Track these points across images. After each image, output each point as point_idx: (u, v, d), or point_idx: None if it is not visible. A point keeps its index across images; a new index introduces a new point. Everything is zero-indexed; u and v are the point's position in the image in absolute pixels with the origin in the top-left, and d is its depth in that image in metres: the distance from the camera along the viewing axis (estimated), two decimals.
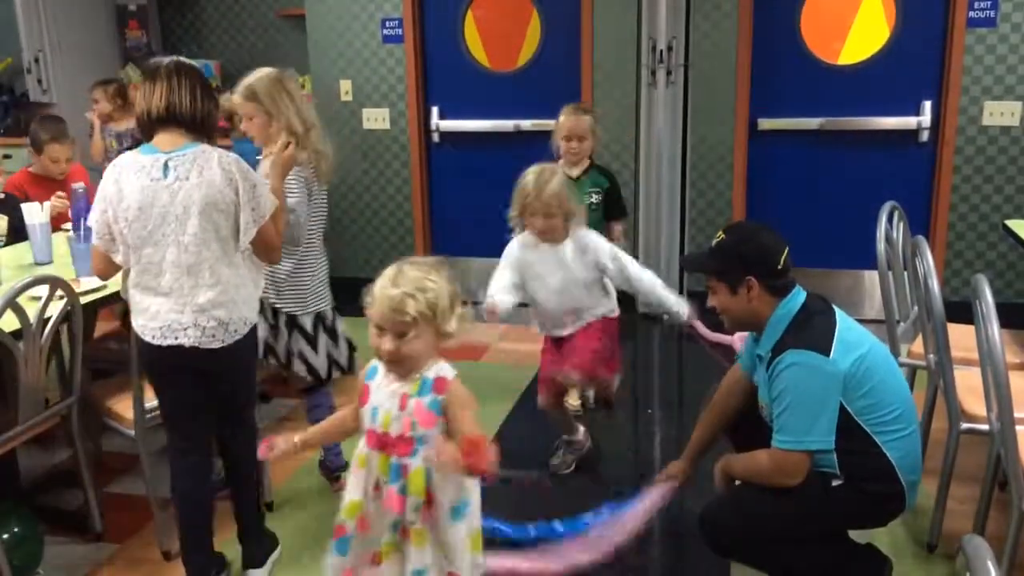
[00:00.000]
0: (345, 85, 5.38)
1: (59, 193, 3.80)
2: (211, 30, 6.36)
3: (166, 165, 2.36)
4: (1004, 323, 2.32)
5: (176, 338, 2.39)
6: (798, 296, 2.35)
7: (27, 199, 3.71)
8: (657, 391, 4.50)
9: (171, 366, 2.46)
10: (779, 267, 2.32)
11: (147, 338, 2.42)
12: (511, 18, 5.19)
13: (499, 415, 3.82)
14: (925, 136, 4.74)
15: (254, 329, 2.55)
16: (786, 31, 4.82)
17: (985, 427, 2.55)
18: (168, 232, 2.36)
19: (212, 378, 2.50)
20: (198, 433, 2.57)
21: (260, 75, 2.90)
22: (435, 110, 5.36)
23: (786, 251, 2.34)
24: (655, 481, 2.72)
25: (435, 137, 5.39)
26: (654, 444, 3.76)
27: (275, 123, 2.85)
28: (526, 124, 5.18)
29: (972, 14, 4.49)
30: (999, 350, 2.25)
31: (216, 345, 2.42)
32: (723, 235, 2.41)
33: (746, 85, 4.86)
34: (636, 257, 5.04)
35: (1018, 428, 2.31)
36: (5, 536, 2.67)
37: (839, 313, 2.36)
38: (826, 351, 2.23)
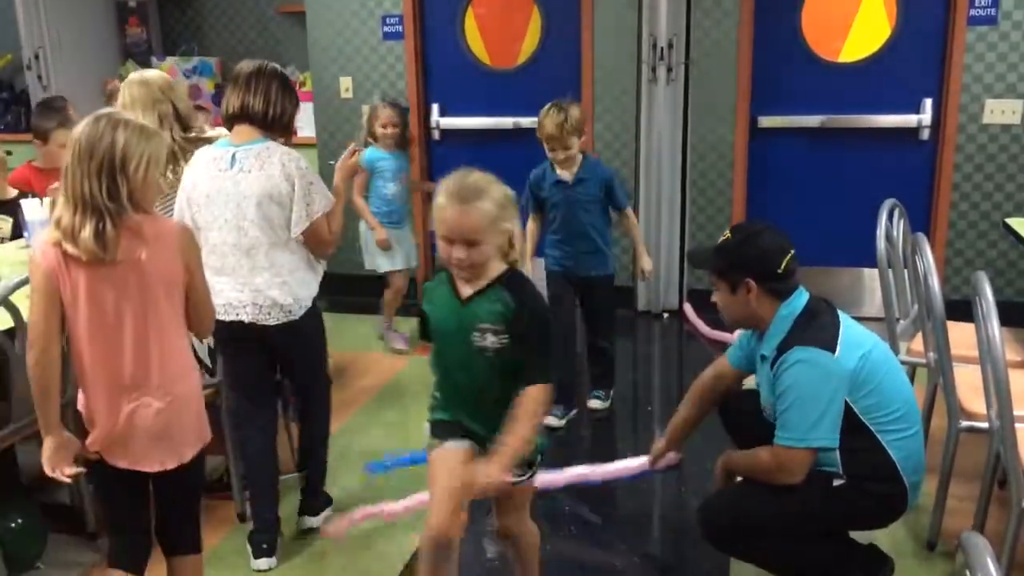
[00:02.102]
0: (345, 82, 5.38)
1: (55, 185, 3.72)
2: (211, 27, 6.35)
3: (233, 157, 2.64)
4: (1004, 321, 2.32)
5: (237, 314, 2.67)
6: (801, 297, 2.36)
7: (34, 194, 3.71)
8: (657, 388, 4.50)
9: (234, 339, 2.72)
10: (779, 271, 2.32)
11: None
12: (511, 15, 5.18)
13: None
14: (926, 134, 4.74)
15: (315, 308, 2.78)
16: (787, 29, 4.81)
17: (985, 425, 2.55)
18: (230, 217, 2.63)
19: (273, 351, 2.79)
20: (261, 399, 2.84)
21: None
22: (435, 107, 5.35)
23: (790, 254, 2.33)
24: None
25: (435, 134, 5.39)
26: (654, 441, 3.75)
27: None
28: (526, 121, 5.15)
29: (973, 12, 4.48)
30: (999, 348, 2.25)
31: (272, 322, 2.68)
32: (728, 234, 2.41)
33: (747, 83, 4.85)
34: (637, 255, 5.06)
35: (1018, 426, 2.31)
36: (12, 526, 2.69)
37: (842, 314, 2.37)
38: (832, 349, 2.23)
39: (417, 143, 5.25)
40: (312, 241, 2.70)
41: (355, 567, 2.81)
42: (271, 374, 2.87)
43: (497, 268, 2.12)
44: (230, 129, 2.70)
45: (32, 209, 3.37)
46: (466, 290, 2.13)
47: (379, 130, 4.50)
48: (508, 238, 2.11)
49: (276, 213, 2.62)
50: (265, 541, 2.77)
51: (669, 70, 4.80)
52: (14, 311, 2.47)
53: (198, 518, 2.33)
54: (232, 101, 2.67)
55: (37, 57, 5.81)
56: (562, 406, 3.70)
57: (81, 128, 2.02)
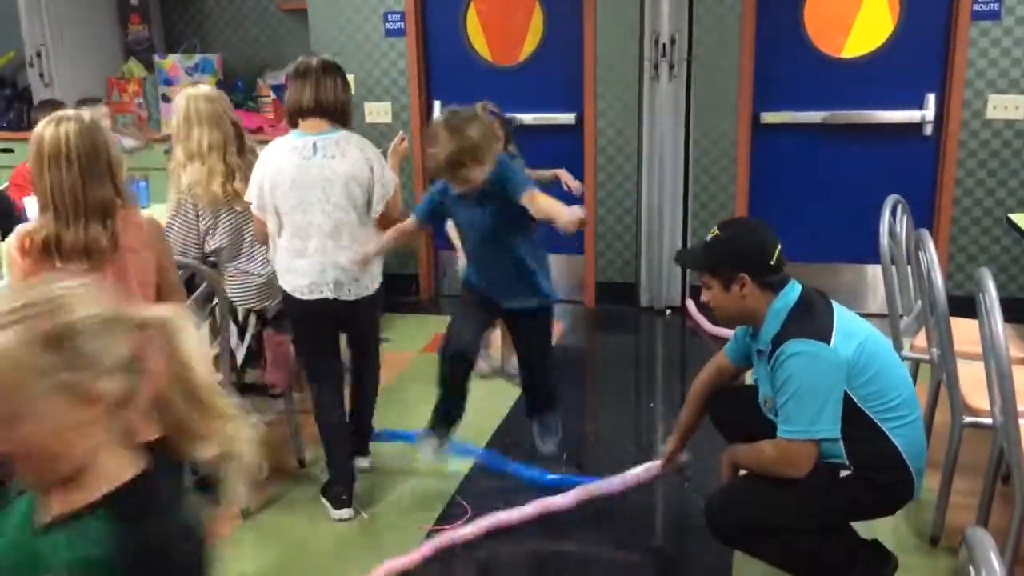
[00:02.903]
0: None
1: None
2: (213, 23, 6.35)
3: (315, 146, 2.87)
4: (1007, 317, 2.32)
5: (321, 292, 2.93)
6: (794, 289, 2.37)
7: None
8: (659, 385, 4.50)
9: (315, 316, 3.00)
10: (771, 263, 2.33)
11: (296, 295, 2.95)
12: (514, 12, 5.17)
13: (500, 410, 3.82)
14: (929, 130, 4.73)
15: (382, 285, 3.11)
16: (789, 24, 4.80)
17: (988, 421, 2.55)
18: (315, 201, 2.86)
19: (345, 322, 3.08)
20: (331, 371, 3.11)
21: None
22: (437, 104, 5.34)
23: (779, 247, 2.35)
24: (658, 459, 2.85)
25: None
26: (656, 438, 3.75)
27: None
28: (528, 118, 5.15)
29: (976, 7, 4.47)
30: (1002, 344, 2.25)
31: (352, 297, 2.97)
32: (717, 231, 2.42)
33: (749, 79, 4.84)
34: (639, 251, 5.07)
35: (1021, 422, 2.31)
36: None
37: (836, 304, 2.38)
38: (827, 339, 2.24)
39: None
40: (384, 219, 3.01)
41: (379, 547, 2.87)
42: (338, 341, 3.14)
43: (113, 475, 1.16)
44: (297, 122, 2.93)
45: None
46: (49, 511, 1.17)
47: None
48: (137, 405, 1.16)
49: (359, 195, 2.90)
50: (344, 493, 3.05)
51: (671, 67, 4.79)
52: None
53: None
54: (304, 96, 2.89)
55: (39, 54, 5.80)
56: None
57: (68, 135, 2.04)
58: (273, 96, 5.84)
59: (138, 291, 2.17)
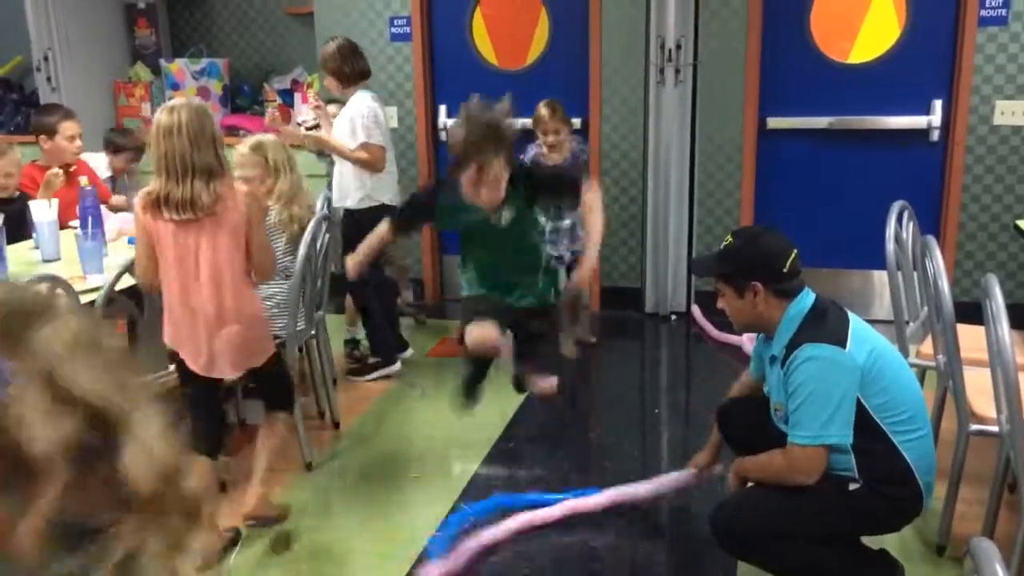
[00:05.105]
0: None
1: (55, 169, 3.87)
2: (219, 28, 6.36)
3: (379, 98, 4.14)
4: (1014, 324, 2.30)
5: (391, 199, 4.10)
6: (808, 296, 2.36)
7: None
8: (664, 392, 4.49)
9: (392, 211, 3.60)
10: (784, 271, 2.32)
11: (392, 204, 3.98)
12: (520, 16, 5.18)
13: (509, 408, 3.81)
14: (936, 135, 4.71)
15: None
16: (796, 29, 4.79)
17: (995, 429, 2.53)
18: (388, 132, 4.20)
19: None
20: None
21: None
22: (443, 108, 5.35)
23: (793, 254, 2.33)
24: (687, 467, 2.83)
25: (443, 135, 5.38)
26: (661, 444, 3.74)
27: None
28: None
29: (983, 12, 4.46)
30: (1009, 351, 2.23)
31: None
32: (731, 239, 2.41)
33: (755, 84, 4.84)
34: (644, 256, 5.06)
35: None
36: None
37: (849, 312, 2.37)
38: (842, 344, 2.23)
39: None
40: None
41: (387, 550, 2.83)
42: None
43: None
44: (356, 83, 4.09)
45: (40, 210, 3.38)
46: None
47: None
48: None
49: None
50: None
51: (677, 71, 4.79)
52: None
53: (289, 390, 3.01)
54: (362, 65, 4.10)
55: (46, 59, 5.82)
56: None
57: (179, 115, 2.49)
58: (279, 101, 5.84)
59: (231, 242, 2.61)
